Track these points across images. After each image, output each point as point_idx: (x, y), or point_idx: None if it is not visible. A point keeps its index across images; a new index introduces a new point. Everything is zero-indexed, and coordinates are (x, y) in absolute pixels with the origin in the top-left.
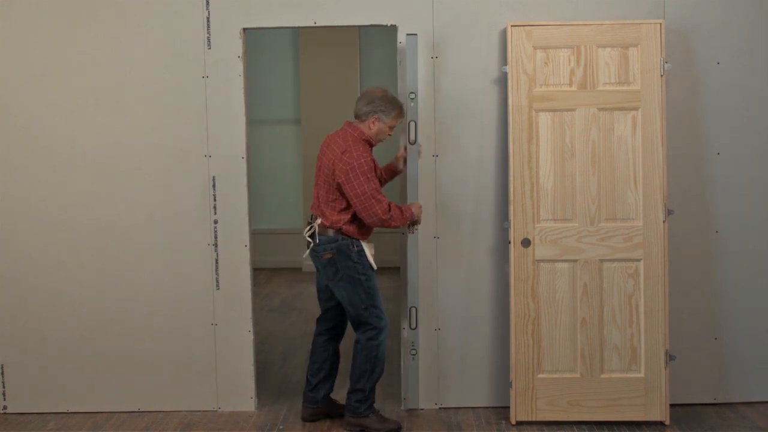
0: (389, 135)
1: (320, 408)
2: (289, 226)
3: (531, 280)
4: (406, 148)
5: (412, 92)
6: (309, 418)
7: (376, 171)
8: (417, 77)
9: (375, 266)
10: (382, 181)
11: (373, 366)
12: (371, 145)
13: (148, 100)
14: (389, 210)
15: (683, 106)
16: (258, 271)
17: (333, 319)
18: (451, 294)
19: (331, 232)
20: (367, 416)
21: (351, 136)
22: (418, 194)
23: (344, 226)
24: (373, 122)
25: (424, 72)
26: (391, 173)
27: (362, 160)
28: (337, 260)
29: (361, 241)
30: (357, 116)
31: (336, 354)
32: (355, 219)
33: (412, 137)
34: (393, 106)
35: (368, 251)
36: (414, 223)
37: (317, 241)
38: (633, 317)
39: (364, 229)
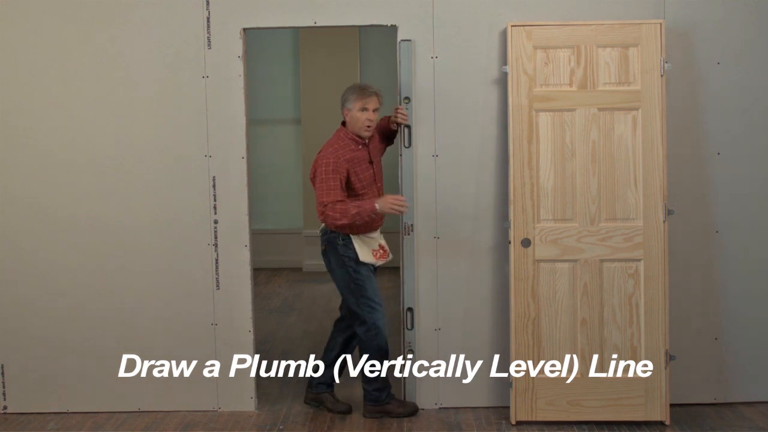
0: (369, 120)
1: (320, 393)
2: (289, 226)
3: (531, 280)
4: (397, 109)
5: (406, 96)
6: (308, 401)
7: (340, 169)
8: (412, 82)
9: (365, 259)
10: (375, 153)
11: (376, 354)
12: (359, 139)
13: (148, 100)
14: (324, 211)
15: (683, 106)
16: (258, 271)
17: (342, 309)
18: (451, 294)
19: (324, 225)
20: (389, 402)
21: (336, 135)
22: (414, 195)
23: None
24: (345, 115)
25: (424, 72)
26: (384, 135)
27: (327, 160)
28: (328, 252)
29: (351, 235)
30: None
31: (344, 345)
32: None
33: (407, 141)
34: (352, 91)
35: (358, 245)
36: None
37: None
38: (633, 317)
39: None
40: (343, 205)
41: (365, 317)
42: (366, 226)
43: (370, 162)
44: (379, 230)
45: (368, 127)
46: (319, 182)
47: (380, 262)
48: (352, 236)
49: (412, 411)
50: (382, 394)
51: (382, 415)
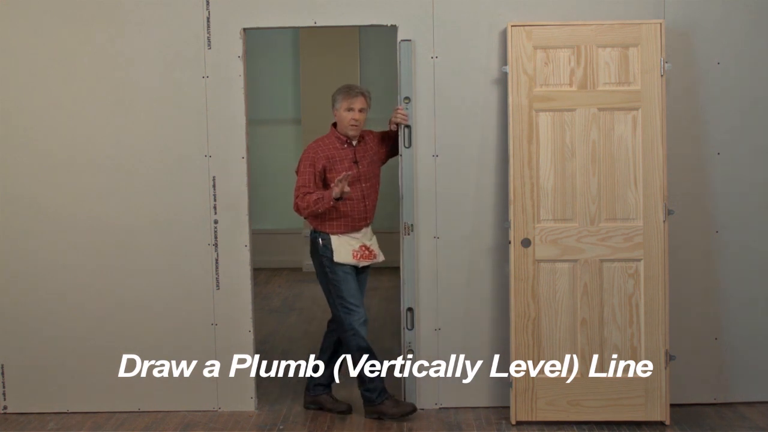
0: (355, 120)
1: (318, 395)
2: (289, 226)
3: (531, 280)
4: (397, 109)
5: (406, 96)
6: (307, 405)
7: (316, 164)
8: (412, 82)
9: (341, 259)
10: (378, 158)
11: (357, 355)
12: (346, 139)
13: (148, 100)
14: (295, 202)
15: (683, 106)
16: (258, 271)
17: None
18: (451, 294)
19: (312, 227)
20: (382, 403)
21: (326, 134)
22: (414, 195)
23: (308, 219)
24: (335, 115)
25: (424, 72)
26: (391, 138)
27: (307, 154)
28: (312, 252)
29: (330, 234)
30: None
31: (338, 344)
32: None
33: (407, 141)
34: (339, 91)
35: (336, 245)
36: (340, 198)
37: None
38: (633, 317)
39: (331, 223)
40: (311, 196)
41: (342, 318)
42: (347, 225)
43: (355, 162)
44: (365, 231)
45: (354, 126)
46: (298, 175)
47: (363, 263)
48: (331, 236)
49: (408, 411)
50: (373, 395)
51: (379, 416)
